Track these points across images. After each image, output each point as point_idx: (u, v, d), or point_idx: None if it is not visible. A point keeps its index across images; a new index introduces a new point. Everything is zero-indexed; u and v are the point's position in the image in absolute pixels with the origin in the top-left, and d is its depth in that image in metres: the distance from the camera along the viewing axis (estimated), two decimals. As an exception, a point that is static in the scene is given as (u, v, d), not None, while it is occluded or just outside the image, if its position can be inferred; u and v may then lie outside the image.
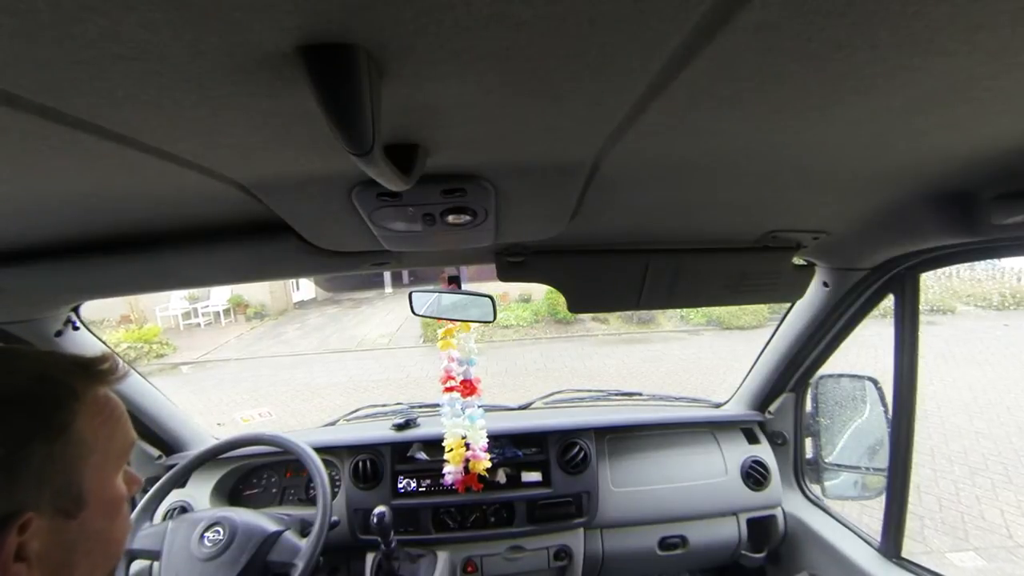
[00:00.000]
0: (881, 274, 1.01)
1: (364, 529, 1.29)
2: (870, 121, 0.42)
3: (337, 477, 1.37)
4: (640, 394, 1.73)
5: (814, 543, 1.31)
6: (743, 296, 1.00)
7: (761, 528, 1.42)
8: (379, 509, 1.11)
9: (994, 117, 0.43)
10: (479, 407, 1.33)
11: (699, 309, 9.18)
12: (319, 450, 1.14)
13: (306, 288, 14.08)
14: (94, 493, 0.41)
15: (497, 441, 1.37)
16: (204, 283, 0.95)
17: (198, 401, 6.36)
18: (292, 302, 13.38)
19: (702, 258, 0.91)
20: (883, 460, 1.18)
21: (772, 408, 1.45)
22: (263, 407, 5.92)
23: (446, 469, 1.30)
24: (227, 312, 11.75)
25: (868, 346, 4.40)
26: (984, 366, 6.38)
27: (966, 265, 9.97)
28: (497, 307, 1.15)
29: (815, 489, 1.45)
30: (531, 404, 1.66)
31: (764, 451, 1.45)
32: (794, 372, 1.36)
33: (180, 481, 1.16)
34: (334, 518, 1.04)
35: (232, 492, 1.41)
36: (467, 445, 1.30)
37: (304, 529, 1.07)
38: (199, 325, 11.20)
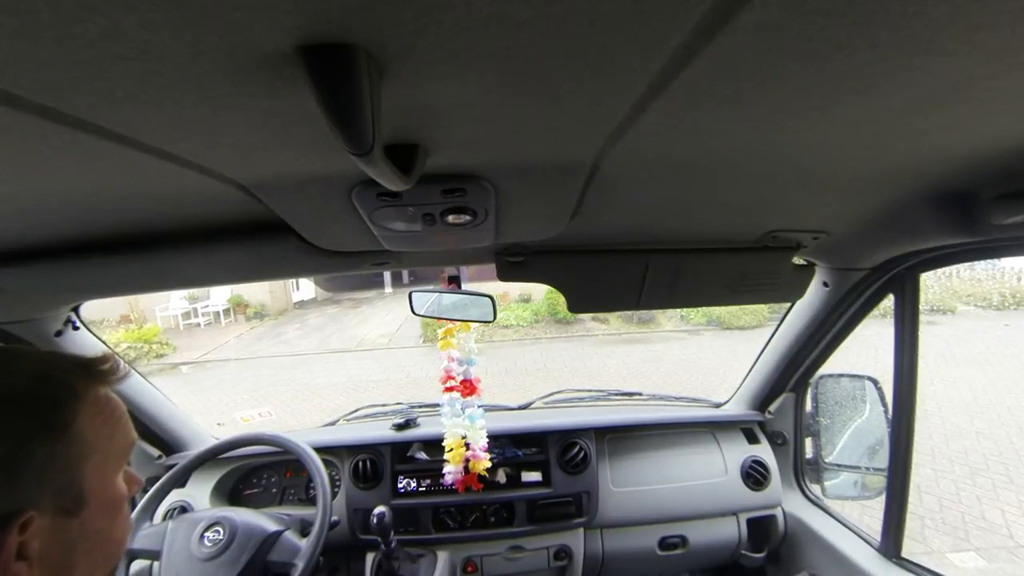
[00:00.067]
0: (881, 274, 1.01)
1: (364, 529, 1.29)
2: (870, 121, 0.42)
3: (337, 477, 1.37)
4: (640, 394, 1.73)
5: (814, 543, 1.31)
6: (743, 296, 1.00)
7: (761, 528, 1.42)
8: (379, 509, 1.11)
9: (994, 117, 0.43)
10: (479, 407, 1.33)
11: (699, 309, 9.19)
12: (319, 450, 1.14)
13: (306, 288, 14.08)
14: (95, 493, 0.41)
15: (497, 441, 1.37)
16: (204, 283, 0.95)
17: (198, 401, 6.36)
18: (292, 302, 13.38)
19: (702, 258, 0.91)
20: (883, 460, 1.18)
21: (772, 408, 1.45)
22: (263, 407, 5.92)
23: (446, 469, 1.30)
24: (227, 312, 11.75)
25: (868, 346, 4.40)
26: (984, 366, 6.38)
27: (966, 265, 9.98)
28: (497, 307, 1.15)
29: (815, 489, 1.45)
30: (531, 404, 1.66)
31: (764, 451, 1.45)
32: (794, 372, 1.36)
33: (180, 481, 1.16)
34: (334, 518, 1.04)
35: (232, 492, 1.41)
36: (467, 445, 1.30)
37: (304, 529, 1.07)
38: (199, 325, 11.20)
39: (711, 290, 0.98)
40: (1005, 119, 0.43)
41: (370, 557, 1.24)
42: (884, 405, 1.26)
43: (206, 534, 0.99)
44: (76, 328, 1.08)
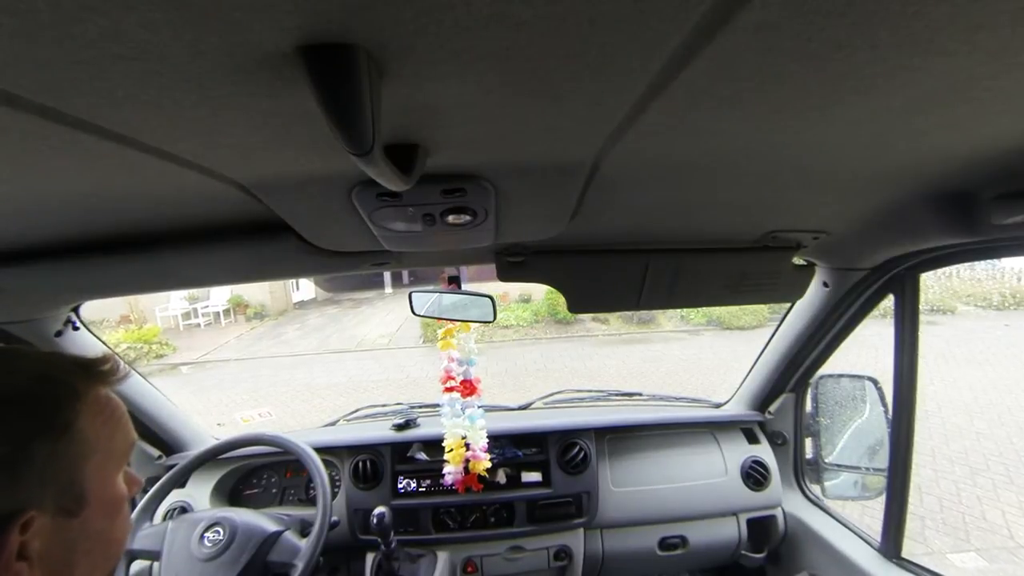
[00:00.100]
0: (881, 274, 1.01)
1: (364, 529, 1.29)
2: (870, 121, 0.42)
3: (337, 477, 1.37)
4: (640, 394, 1.73)
5: (814, 543, 1.31)
6: (743, 296, 1.00)
7: (761, 528, 1.42)
8: (379, 509, 1.11)
9: (994, 117, 0.43)
10: (479, 407, 1.33)
11: (699, 309, 9.19)
12: (319, 450, 1.14)
13: (306, 288, 14.08)
14: (95, 493, 0.41)
15: (497, 441, 1.37)
16: (204, 283, 0.95)
17: (198, 401, 6.36)
18: (292, 302, 13.38)
19: (702, 258, 0.91)
20: (883, 460, 1.18)
21: (772, 408, 1.45)
22: (263, 407, 5.92)
23: (446, 469, 1.30)
24: (227, 312, 11.75)
25: (868, 346, 4.40)
26: (984, 366, 6.38)
27: (966, 265, 9.97)
28: (497, 307, 1.15)
29: (815, 489, 1.45)
30: (531, 404, 1.66)
31: (764, 451, 1.45)
32: (794, 372, 1.36)
33: (180, 481, 1.16)
34: (334, 518, 1.04)
35: (232, 492, 1.41)
36: (467, 445, 1.30)
37: (304, 529, 1.06)
38: (199, 325, 11.20)
39: (711, 290, 0.98)
40: (1005, 119, 0.43)
41: (370, 557, 1.24)
42: (884, 405, 1.26)
43: (206, 534, 0.99)
44: (76, 328, 1.08)
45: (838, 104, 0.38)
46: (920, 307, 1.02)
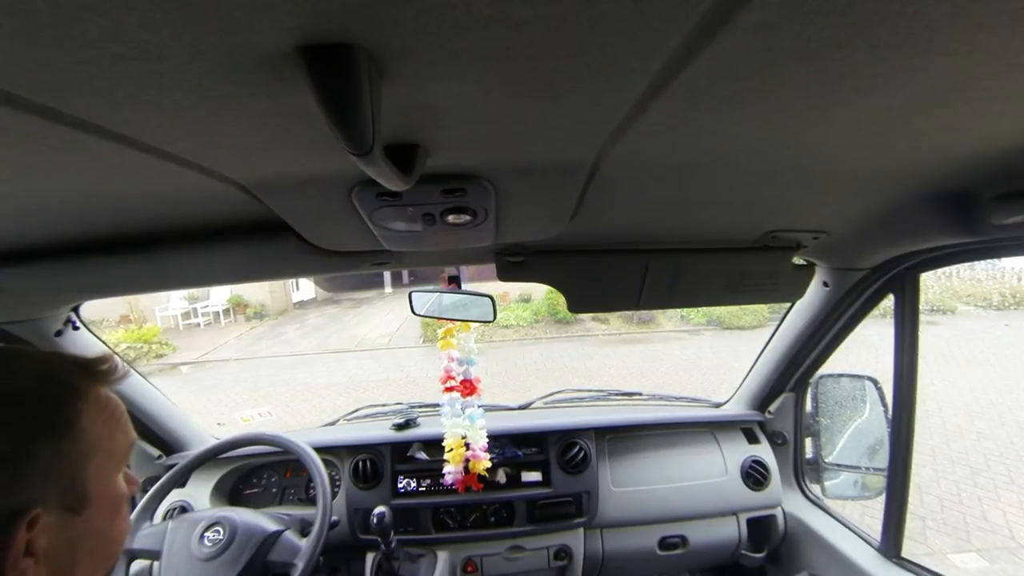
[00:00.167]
0: (881, 274, 1.01)
1: (364, 529, 1.29)
2: (870, 121, 0.42)
3: (337, 477, 1.37)
4: (640, 394, 1.73)
5: (814, 543, 1.31)
6: (743, 296, 1.00)
7: (761, 528, 1.42)
8: (379, 509, 1.11)
9: (994, 117, 0.43)
10: (479, 407, 1.33)
11: (699, 309, 9.19)
12: (319, 450, 1.14)
13: (306, 288, 14.08)
14: (97, 491, 0.41)
15: (497, 441, 1.37)
16: (204, 283, 0.95)
17: (197, 401, 6.36)
18: (292, 302, 13.39)
19: (702, 258, 0.91)
20: (883, 460, 1.18)
21: (772, 408, 1.45)
22: (263, 407, 5.92)
23: (446, 469, 1.30)
24: (227, 312, 11.75)
25: (868, 346, 4.40)
26: (985, 366, 6.38)
27: (966, 265, 9.97)
28: (497, 307, 1.15)
29: (815, 489, 1.45)
30: (531, 404, 1.66)
31: (764, 451, 1.45)
32: (794, 372, 1.36)
33: (180, 481, 1.16)
34: (334, 518, 1.04)
35: (232, 492, 1.41)
36: (467, 445, 1.30)
37: (304, 529, 1.07)
38: (199, 325, 11.20)
39: (711, 290, 0.98)
40: (1005, 119, 0.43)
41: (370, 557, 1.24)
42: (884, 405, 1.26)
43: (206, 534, 1.00)
44: (76, 328, 1.08)
45: (838, 104, 0.38)
46: (920, 307, 1.02)
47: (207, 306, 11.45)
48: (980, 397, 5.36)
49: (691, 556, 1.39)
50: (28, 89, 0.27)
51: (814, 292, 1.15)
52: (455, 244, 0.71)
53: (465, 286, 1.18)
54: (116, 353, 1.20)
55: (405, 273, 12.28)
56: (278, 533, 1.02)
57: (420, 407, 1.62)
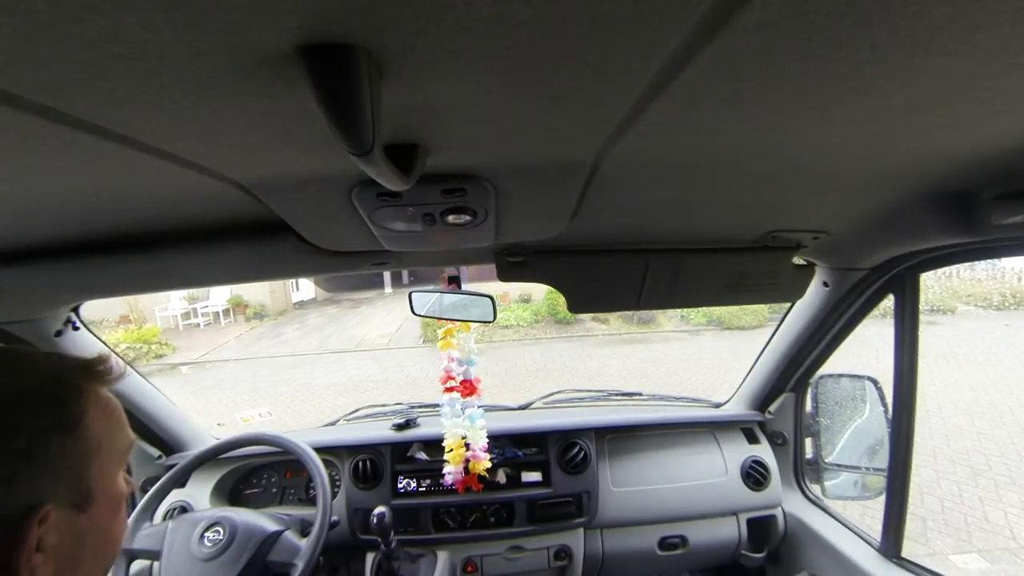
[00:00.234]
0: (881, 274, 1.01)
1: (364, 529, 1.29)
2: (870, 121, 0.42)
3: (337, 477, 1.37)
4: (640, 394, 1.73)
5: (814, 543, 1.31)
6: (743, 296, 1.00)
7: (761, 528, 1.42)
8: (379, 509, 1.11)
9: (994, 117, 0.43)
10: (479, 407, 1.33)
11: (699, 309, 9.19)
12: (319, 450, 1.14)
13: (306, 288, 14.08)
14: (101, 489, 0.42)
15: (497, 441, 1.37)
16: (204, 283, 0.95)
17: (197, 401, 6.36)
18: (292, 302, 13.39)
19: (702, 258, 0.91)
20: (883, 460, 1.18)
21: (772, 408, 1.45)
22: (263, 407, 5.92)
23: (446, 469, 1.30)
24: (226, 312, 11.75)
25: (869, 346, 4.39)
26: (985, 366, 6.37)
27: (966, 265, 9.97)
28: (497, 307, 1.15)
29: (815, 489, 1.45)
30: (531, 404, 1.66)
31: (764, 451, 1.45)
32: (794, 372, 1.36)
33: (180, 481, 1.16)
34: (334, 518, 1.04)
35: (232, 492, 1.41)
36: (467, 445, 1.30)
37: (304, 529, 1.07)
38: (198, 325, 11.20)
39: (711, 290, 0.98)
40: (1005, 119, 0.43)
41: (370, 557, 1.24)
42: (884, 405, 1.26)
43: (206, 534, 1.00)
44: (76, 328, 1.08)
45: (838, 104, 0.38)
46: (920, 307, 1.02)
47: (207, 306, 11.45)
48: (981, 397, 5.36)
49: (691, 556, 1.39)
50: (28, 89, 0.27)
51: (814, 292, 1.15)
52: (455, 244, 0.71)
53: (465, 286, 1.18)
54: (116, 353, 1.20)
55: (405, 273, 12.29)
56: (278, 533, 1.02)
57: (420, 407, 1.62)
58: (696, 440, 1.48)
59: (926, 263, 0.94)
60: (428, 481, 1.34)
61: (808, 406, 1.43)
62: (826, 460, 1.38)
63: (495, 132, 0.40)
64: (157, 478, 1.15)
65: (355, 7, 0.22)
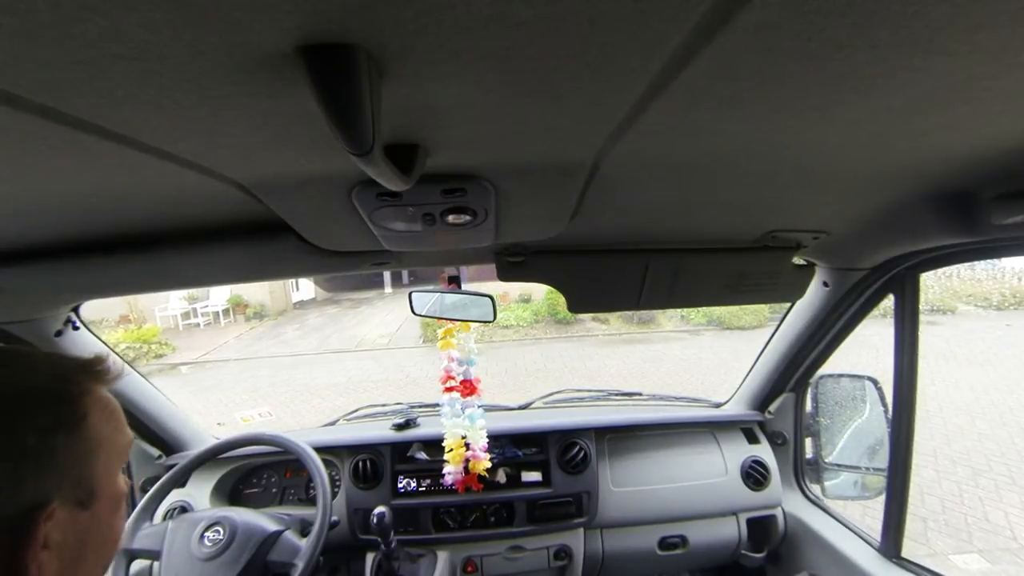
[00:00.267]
0: (881, 274, 1.01)
1: (364, 529, 1.29)
2: (870, 121, 0.42)
3: (337, 477, 1.37)
4: (640, 394, 1.73)
5: (814, 543, 1.31)
6: (743, 296, 1.00)
7: (761, 528, 1.42)
8: (379, 509, 1.11)
9: (994, 117, 0.43)
10: (479, 407, 1.33)
11: (699, 309, 9.19)
12: (319, 450, 1.14)
13: (305, 288, 14.08)
14: (103, 487, 0.42)
15: (497, 441, 1.37)
16: (204, 283, 0.95)
17: (197, 401, 6.36)
18: (291, 302, 13.39)
19: (702, 258, 0.91)
20: (883, 460, 1.18)
21: (772, 408, 1.45)
22: (263, 407, 5.92)
23: (446, 469, 1.30)
24: (226, 312, 11.75)
25: (869, 346, 4.39)
26: (986, 366, 6.37)
27: (966, 265, 9.97)
28: (497, 307, 1.15)
29: (815, 489, 1.45)
30: (531, 404, 1.66)
31: (764, 451, 1.45)
32: (794, 372, 1.36)
33: (180, 481, 1.16)
34: (334, 518, 1.04)
35: (232, 492, 1.41)
36: (467, 445, 1.30)
37: (304, 529, 1.07)
38: (198, 325, 11.20)
39: (711, 290, 0.98)
40: (1005, 119, 0.43)
41: (370, 557, 1.24)
42: (884, 405, 1.26)
43: (206, 534, 1.00)
44: (76, 328, 1.08)
45: (838, 104, 0.38)
46: (920, 307, 1.02)
47: (207, 306, 11.45)
48: (981, 397, 5.35)
49: (691, 556, 1.39)
50: (28, 89, 0.27)
51: (814, 292, 1.15)
52: (455, 244, 0.71)
53: (465, 286, 1.18)
54: (116, 353, 1.20)
55: (405, 273, 12.29)
56: (278, 533, 1.02)
57: (420, 407, 1.62)
58: (696, 440, 1.48)
59: (926, 263, 0.94)
60: (428, 481, 1.34)
61: (808, 406, 1.43)
62: (826, 460, 1.38)
63: (495, 132, 0.40)
64: (157, 478, 1.15)
65: (355, 7, 0.22)
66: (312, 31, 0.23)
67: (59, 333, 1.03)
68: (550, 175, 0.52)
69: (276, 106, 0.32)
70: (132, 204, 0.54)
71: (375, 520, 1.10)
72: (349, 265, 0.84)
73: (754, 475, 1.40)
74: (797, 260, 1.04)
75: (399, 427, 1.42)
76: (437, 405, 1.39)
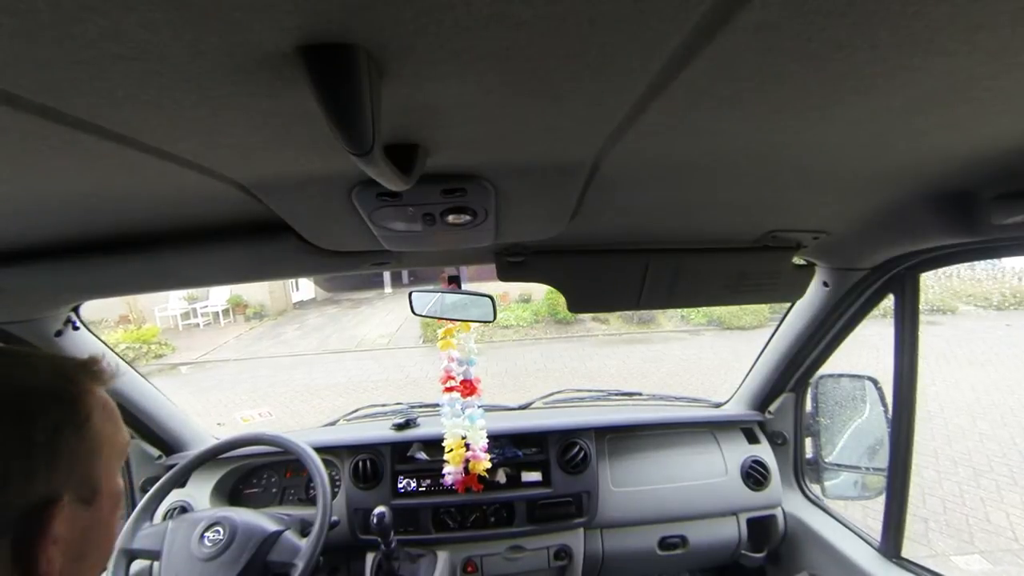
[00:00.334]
0: (881, 274, 1.01)
1: (364, 529, 1.29)
2: (870, 121, 0.42)
3: (337, 477, 1.37)
4: (640, 394, 1.73)
5: (814, 543, 1.31)
6: (743, 296, 1.00)
7: (761, 528, 1.42)
8: (379, 509, 1.11)
9: (994, 117, 0.43)
10: (479, 407, 1.33)
11: (699, 309, 9.19)
12: (319, 450, 1.14)
13: (305, 288, 14.08)
14: (104, 485, 0.43)
15: (497, 441, 1.37)
16: (204, 283, 0.95)
17: (197, 402, 6.36)
18: (291, 302, 13.39)
19: (702, 258, 0.91)
20: (883, 460, 1.18)
21: (772, 408, 1.45)
22: (263, 407, 5.92)
23: (446, 470, 1.30)
24: (226, 312, 11.75)
25: (869, 346, 4.39)
26: (986, 366, 6.37)
27: (966, 265, 9.97)
28: (497, 307, 1.15)
29: (815, 489, 1.45)
30: (531, 404, 1.66)
31: (764, 451, 1.45)
32: (794, 372, 1.36)
33: (180, 481, 1.16)
34: (334, 518, 1.04)
35: (232, 492, 1.41)
36: (467, 445, 1.30)
37: (304, 529, 1.07)
38: (198, 325, 11.20)
39: (711, 290, 0.98)
40: (1005, 119, 0.43)
41: (370, 557, 1.24)
42: (884, 405, 1.26)
43: (206, 534, 1.00)
44: (76, 328, 1.08)
45: (838, 104, 0.38)
46: (920, 307, 1.02)
47: (206, 306, 11.45)
48: (982, 398, 5.35)
49: (691, 556, 1.39)
50: (28, 89, 0.27)
51: (814, 292, 1.15)
52: (455, 244, 0.71)
53: (465, 286, 1.18)
54: (117, 353, 1.20)
55: (405, 273, 12.29)
56: (278, 533, 1.02)
57: (420, 407, 1.62)
58: (696, 440, 1.48)
59: (926, 263, 0.94)
60: (428, 481, 1.34)
61: (808, 406, 1.43)
62: (826, 460, 1.38)
63: (495, 132, 0.40)
64: (157, 478, 1.15)
65: (355, 7, 0.22)
66: (312, 31, 0.23)
67: (59, 333, 1.03)
68: (550, 175, 0.52)
69: (276, 106, 0.32)
70: (132, 204, 0.54)
71: (375, 520, 1.10)
72: (349, 265, 0.84)
73: (754, 475, 1.40)
74: (797, 260, 1.04)
75: (399, 427, 1.42)
76: (437, 405, 1.39)
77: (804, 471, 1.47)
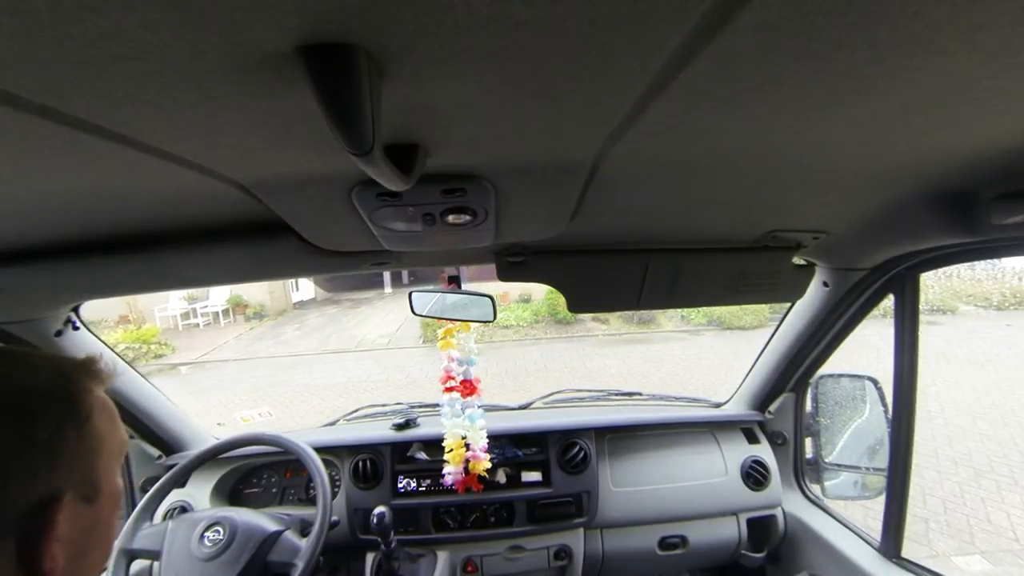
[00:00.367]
0: (881, 274, 1.01)
1: (364, 529, 1.29)
2: (870, 121, 0.42)
3: (337, 477, 1.37)
4: (640, 394, 1.73)
5: (814, 543, 1.31)
6: (743, 296, 1.00)
7: (761, 528, 1.42)
8: (379, 509, 1.11)
9: (994, 117, 0.43)
10: (479, 407, 1.33)
11: (700, 309, 9.19)
12: (319, 450, 1.14)
13: (305, 288, 14.08)
14: (105, 484, 0.43)
15: (497, 441, 1.37)
16: (204, 283, 0.95)
17: (197, 402, 6.36)
18: (291, 302, 13.39)
19: (702, 258, 0.91)
20: (883, 460, 1.18)
21: (772, 408, 1.45)
22: (263, 407, 5.92)
23: (446, 470, 1.30)
24: (226, 312, 11.75)
25: (869, 346, 4.39)
26: (987, 367, 6.37)
27: (966, 265, 9.97)
28: (497, 307, 1.15)
29: (815, 489, 1.45)
30: (531, 404, 1.66)
31: (764, 451, 1.45)
32: (794, 372, 1.36)
33: (180, 481, 1.16)
34: (334, 518, 1.04)
35: (232, 492, 1.41)
36: (467, 445, 1.30)
37: (304, 529, 1.07)
38: (198, 325, 11.20)
39: (711, 290, 0.98)
40: (1005, 119, 0.43)
41: (370, 557, 1.24)
42: (884, 405, 1.26)
43: (206, 534, 1.00)
44: (76, 328, 1.08)
45: (838, 104, 0.38)
46: (920, 307, 1.02)
47: (206, 306, 11.45)
48: (982, 398, 5.35)
49: (691, 556, 1.39)
50: (28, 89, 0.27)
51: (814, 292, 1.15)
52: (455, 244, 0.71)
53: (465, 286, 1.18)
54: (117, 353, 1.20)
55: (405, 273, 12.29)
56: (278, 533, 1.02)
57: (420, 407, 1.62)
58: (696, 440, 1.48)
59: (926, 263, 0.94)
60: (428, 481, 1.34)
61: (808, 406, 1.43)
62: (826, 460, 1.38)
63: (495, 132, 0.41)
64: (157, 478, 1.15)
65: (355, 7, 0.22)
66: (312, 31, 0.23)
67: (59, 333, 1.03)
68: (550, 175, 0.52)
69: (276, 106, 0.32)
70: (132, 204, 0.54)
71: (375, 520, 1.10)
72: (349, 265, 0.84)
73: (754, 475, 1.40)
74: (797, 260, 1.04)
75: (399, 427, 1.42)
76: (437, 405, 1.39)
77: (804, 471, 1.47)
